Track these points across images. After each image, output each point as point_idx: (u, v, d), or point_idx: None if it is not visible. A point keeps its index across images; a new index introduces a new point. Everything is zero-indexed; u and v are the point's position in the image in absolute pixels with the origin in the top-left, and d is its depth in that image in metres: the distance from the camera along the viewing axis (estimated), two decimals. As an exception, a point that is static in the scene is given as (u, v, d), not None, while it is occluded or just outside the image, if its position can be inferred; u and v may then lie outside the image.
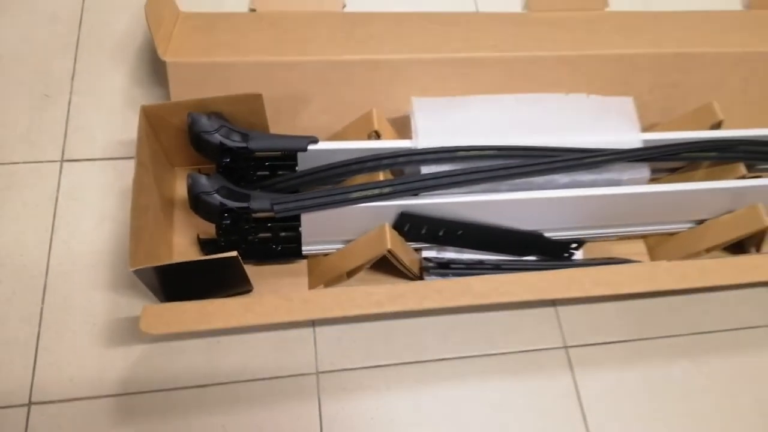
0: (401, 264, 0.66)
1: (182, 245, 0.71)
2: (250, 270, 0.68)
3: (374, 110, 0.71)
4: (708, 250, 0.74)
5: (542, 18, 0.93)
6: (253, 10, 0.90)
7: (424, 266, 0.69)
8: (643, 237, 0.79)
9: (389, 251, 0.63)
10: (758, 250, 0.75)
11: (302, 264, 0.72)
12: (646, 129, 0.83)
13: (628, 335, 0.72)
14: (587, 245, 0.77)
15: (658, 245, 0.78)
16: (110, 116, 0.79)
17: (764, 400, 0.70)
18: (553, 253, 0.74)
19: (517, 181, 0.68)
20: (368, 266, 0.67)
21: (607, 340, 0.72)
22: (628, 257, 0.77)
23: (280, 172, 0.69)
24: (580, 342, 0.71)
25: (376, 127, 0.70)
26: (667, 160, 0.72)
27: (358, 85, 0.77)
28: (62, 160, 0.76)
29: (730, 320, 0.75)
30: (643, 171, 0.71)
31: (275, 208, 0.61)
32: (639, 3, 1.02)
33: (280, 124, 0.75)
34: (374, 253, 0.63)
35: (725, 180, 0.72)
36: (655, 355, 0.71)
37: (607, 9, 0.97)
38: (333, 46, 0.79)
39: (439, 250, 0.72)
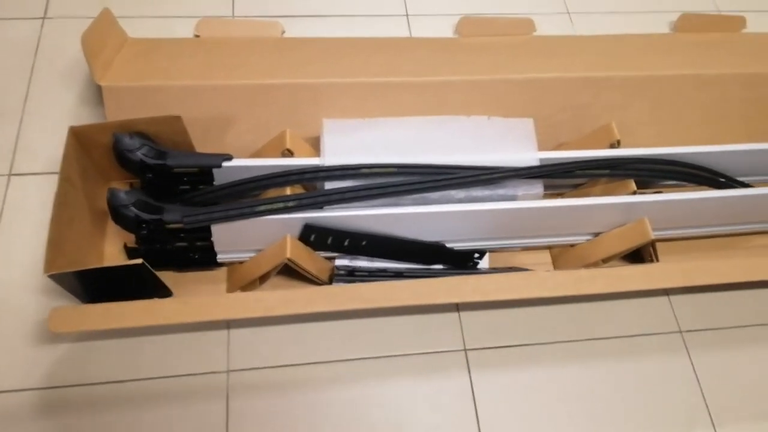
0: (306, 271, 0.72)
1: (112, 253, 0.77)
2: (172, 276, 0.75)
3: (288, 130, 0.77)
4: (605, 261, 0.79)
5: (470, 43, 0.99)
6: (197, 36, 0.96)
7: (335, 273, 0.75)
8: (548, 247, 0.84)
9: (289, 260, 0.68)
10: (655, 259, 0.80)
11: (222, 271, 0.78)
12: (557, 147, 0.90)
13: (525, 339, 0.77)
14: (495, 255, 0.82)
15: (561, 255, 0.83)
16: (56, 134, 0.85)
17: (650, 403, 0.75)
18: (457, 262, 0.79)
19: (416, 196, 0.74)
20: (276, 273, 0.72)
21: (506, 344, 0.77)
22: (533, 266, 0.82)
23: (200, 187, 0.75)
24: (479, 345, 0.77)
25: (288, 145, 0.76)
26: (561, 177, 0.77)
27: (281, 107, 0.83)
28: (10, 174, 0.83)
29: (623, 327, 0.79)
30: (537, 187, 0.77)
31: (185, 220, 0.68)
32: (567, 26, 1.08)
33: (209, 143, 0.81)
34: (277, 260, 0.69)
35: (616, 196, 0.78)
36: (548, 359, 0.76)
37: (535, 34, 1.03)
38: (261, 70, 0.85)
39: (351, 259, 0.78)
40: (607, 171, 0.78)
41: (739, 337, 0.80)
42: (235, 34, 0.96)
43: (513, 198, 0.77)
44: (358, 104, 0.85)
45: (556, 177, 0.77)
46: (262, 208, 0.69)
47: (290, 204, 0.70)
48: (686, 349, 0.79)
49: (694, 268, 0.71)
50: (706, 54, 0.99)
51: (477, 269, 0.80)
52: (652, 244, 0.75)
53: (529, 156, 0.78)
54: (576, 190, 0.84)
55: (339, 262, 0.77)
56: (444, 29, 1.04)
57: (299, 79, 0.84)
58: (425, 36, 1.04)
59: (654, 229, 0.79)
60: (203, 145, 0.80)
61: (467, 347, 0.76)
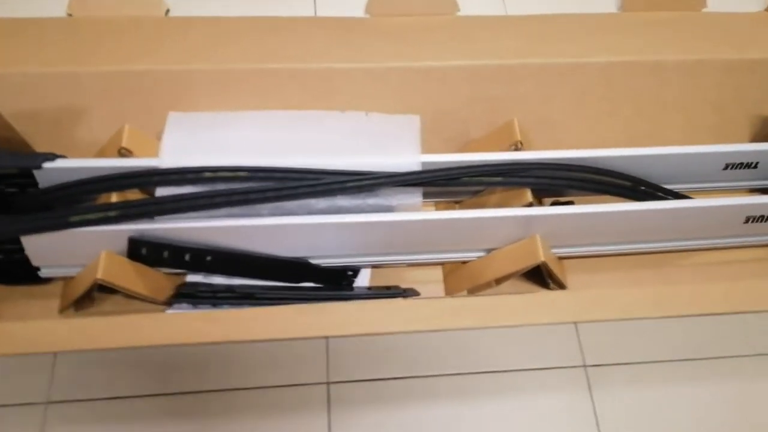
0: (132, 293, 0.62)
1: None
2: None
3: (126, 126, 0.67)
4: (498, 281, 0.68)
5: (379, 24, 0.87)
6: (70, 15, 0.86)
7: (175, 294, 0.65)
8: (441, 264, 0.73)
9: (102, 280, 0.59)
10: (554, 283, 0.68)
11: (59, 284, 0.69)
12: (463, 145, 0.78)
13: (398, 373, 0.67)
14: (380, 271, 0.72)
15: (452, 273, 0.72)
16: None
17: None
18: (328, 280, 0.69)
19: (270, 205, 0.63)
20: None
21: (375, 377, 0.67)
22: (421, 284, 0.71)
23: (29, 190, 0.66)
24: (346, 378, 0.66)
25: (125, 143, 0.66)
26: (444, 185, 0.66)
27: (141, 98, 0.73)
28: None
29: (520, 359, 0.69)
30: (414, 196, 0.66)
31: (-17, 231, 0.58)
32: (497, 6, 0.95)
33: (58, 139, 0.72)
34: (90, 279, 0.60)
35: (508, 207, 0.66)
36: (431, 395, 0.66)
37: (458, 14, 0.90)
38: (121, 55, 0.75)
39: (205, 276, 0.68)
40: (499, 178, 0.66)
41: (649, 375, 0.69)
42: (113, 12, 0.85)
43: (389, 209, 0.66)
44: (231, 95, 0.74)
45: (440, 185, 0.66)
46: (76, 218, 0.59)
47: (111, 214, 0.60)
48: (588, 385, 0.68)
49: (593, 298, 0.59)
50: (648, 37, 0.85)
51: (352, 289, 0.69)
52: (545, 266, 0.64)
53: (410, 160, 0.66)
54: (473, 198, 0.73)
55: (190, 278, 0.68)
56: (355, 8, 0.92)
57: (162, 65, 0.73)
58: (331, 15, 0.91)
59: (561, 246, 0.68)
60: (51, 141, 0.70)
61: (330, 380, 0.66)
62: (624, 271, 0.74)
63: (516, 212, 0.64)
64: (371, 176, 0.64)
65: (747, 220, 0.69)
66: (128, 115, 0.71)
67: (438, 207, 0.76)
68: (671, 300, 0.60)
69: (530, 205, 0.66)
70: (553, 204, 0.74)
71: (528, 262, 0.64)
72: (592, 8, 0.94)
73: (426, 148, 0.77)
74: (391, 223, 0.63)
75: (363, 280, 0.70)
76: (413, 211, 0.66)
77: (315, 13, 0.91)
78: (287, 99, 0.74)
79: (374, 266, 0.72)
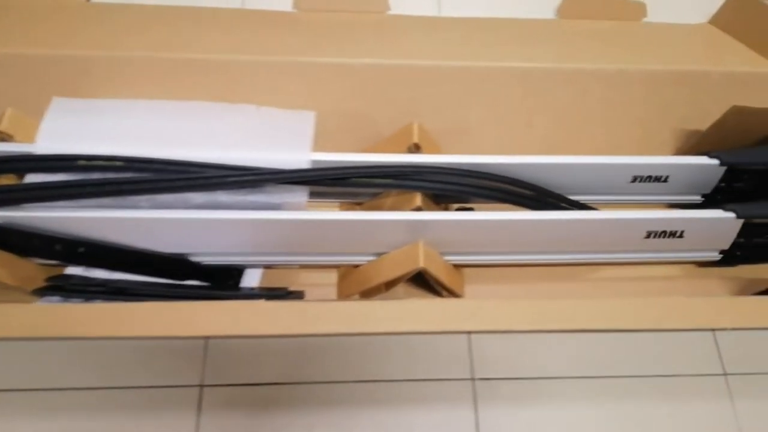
0: (-6, 281, 0.60)
1: None
2: None
3: (9, 110, 0.65)
4: (387, 286, 0.66)
5: (302, 20, 0.85)
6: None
7: (44, 286, 0.63)
8: (336, 266, 0.71)
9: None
10: (445, 291, 0.66)
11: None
12: (373, 146, 0.76)
13: (276, 377, 0.64)
14: (273, 272, 0.69)
15: (345, 276, 0.69)
16: None
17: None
18: (213, 279, 0.66)
19: (144, 197, 0.61)
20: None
21: (252, 382, 0.64)
22: (314, 287, 0.69)
23: None
24: (220, 381, 0.64)
25: (3, 127, 0.64)
26: (332, 184, 0.64)
27: (34, 82, 0.71)
28: None
29: (413, 370, 0.66)
30: (299, 195, 0.63)
31: None
32: (431, 7, 0.93)
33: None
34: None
35: (399, 211, 0.64)
36: (303, 402, 0.63)
37: (389, 13, 0.89)
38: (21, 38, 0.73)
39: (86, 269, 0.66)
40: (389, 181, 0.64)
41: (540, 391, 0.66)
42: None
43: (273, 207, 0.64)
44: (130, 84, 0.72)
45: (328, 184, 0.64)
46: (-64, 202, 0.57)
47: (-26, 199, 0.58)
48: (475, 400, 0.65)
49: (475, 309, 0.57)
50: (576, 45, 0.83)
51: (238, 288, 0.67)
52: (427, 272, 0.61)
53: (300, 157, 0.64)
54: (372, 200, 0.71)
55: (69, 271, 0.65)
56: (284, 1, 0.90)
57: (58, 50, 0.71)
58: (259, 8, 0.89)
59: (458, 253, 0.66)
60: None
61: (204, 383, 0.64)
62: (527, 282, 0.72)
63: (400, 216, 0.61)
64: (254, 172, 0.62)
65: (648, 236, 0.66)
66: (17, 100, 0.69)
67: (342, 207, 0.74)
68: (555, 314, 0.57)
69: (419, 209, 0.63)
70: (458, 210, 0.72)
71: (409, 268, 0.61)
72: (530, 14, 0.92)
73: (337, 147, 0.75)
74: (264, 222, 0.61)
75: (253, 280, 0.68)
76: (298, 210, 0.63)
77: (243, 5, 0.89)
78: (190, 91, 0.72)
79: (267, 266, 0.69)
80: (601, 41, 0.85)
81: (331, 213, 0.62)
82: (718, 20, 0.91)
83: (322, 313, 0.53)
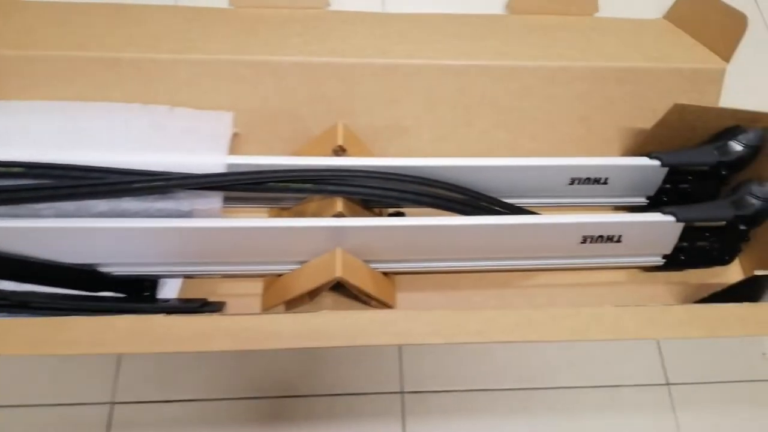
0: None
1: None
2: None
3: None
4: (311, 296, 0.63)
5: (239, 15, 0.82)
6: None
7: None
8: (261, 276, 0.67)
9: None
10: (374, 300, 0.63)
11: None
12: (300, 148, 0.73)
13: (192, 394, 0.61)
14: (194, 282, 0.66)
15: (270, 286, 0.66)
16: None
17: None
18: (126, 291, 0.63)
19: (44, 205, 0.57)
20: None
21: (168, 399, 0.61)
22: (238, 297, 0.66)
23: None
24: (133, 399, 0.60)
25: None
26: (248, 189, 0.60)
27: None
28: None
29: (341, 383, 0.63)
30: (213, 201, 0.60)
31: None
32: (374, 1, 0.90)
33: None
34: None
35: (320, 217, 0.60)
36: (220, 418, 0.60)
37: (329, 8, 0.85)
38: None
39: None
40: (309, 185, 0.61)
41: (469, 404, 0.63)
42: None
43: (184, 214, 0.60)
44: (42, 84, 0.68)
45: (242, 189, 0.60)
46: None
47: None
48: (402, 413, 0.62)
49: (388, 322, 0.53)
50: (520, 41, 0.80)
51: (154, 300, 0.63)
52: (346, 282, 0.58)
53: (214, 161, 0.61)
54: (296, 205, 0.67)
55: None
56: (218, -3, 0.86)
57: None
58: (192, 5, 0.86)
59: (387, 261, 0.63)
60: None
61: (115, 400, 0.60)
62: (462, 289, 0.69)
63: (317, 223, 0.58)
64: (162, 177, 0.58)
65: (584, 240, 0.63)
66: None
67: (271, 213, 0.70)
68: (472, 325, 0.53)
69: (340, 215, 0.60)
70: (392, 215, 0.69)
71: (326, 278, 0.58)
72: (478, 9, 0.89)
73: (266, 149, 0.72)
74: (172, 230, 0.57)
75: (171, 291, 0.64)
76: (211, 217, 0.60)
77: (176, 1, 0.85)
78: (102, 91, 0.68)
79: (187, 276, 0.66)
80: (546, 37, 0.82)
81: (242, 220, 0.58)
82: (671, 15, 0.88)
83: (223, 329, 0.50)
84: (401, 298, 0.68)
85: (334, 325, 0.50)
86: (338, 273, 0.57)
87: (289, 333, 0.49)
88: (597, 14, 0.89)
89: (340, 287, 0.62)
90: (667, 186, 0.70)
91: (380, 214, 0.69)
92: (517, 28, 0.84)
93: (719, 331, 0.53)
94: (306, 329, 0.49)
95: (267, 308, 0.65)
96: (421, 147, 0.75)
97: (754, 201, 0.65)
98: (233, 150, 0.70)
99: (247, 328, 0.50)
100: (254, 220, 0.58)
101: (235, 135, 0.70)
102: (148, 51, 0.70)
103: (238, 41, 0.74)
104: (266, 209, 0.70)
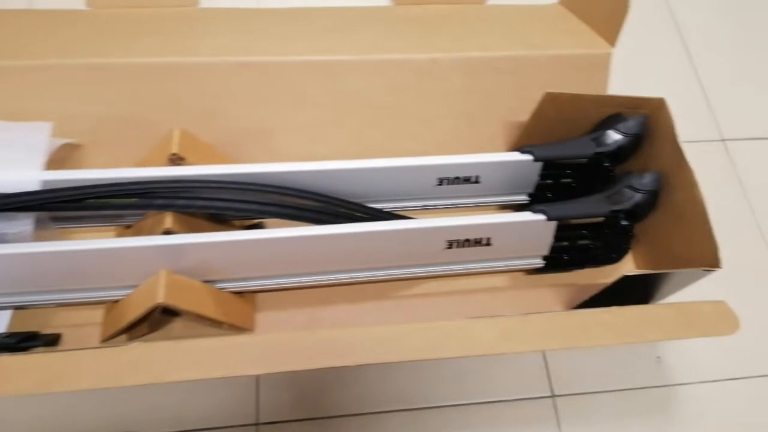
0: None
1: None
2: None
3: None
4: (150, 323, 0.56)
5: (94, 16, 0.75)
6: None
7: None
8: (100, 303, 0.61)
9: None
10: (225, 324, 0.57)
11: None
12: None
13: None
14: (27, 313, 0.59)
15: (107, 314, 0.59)
16: None
17: None
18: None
19: None
20: None
21: None
22: (74, 328, 0.59)
23: None
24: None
25: None
26: (63, 209, 0.54)
27: None
28: None
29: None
30: (22, 224, 0.53)
31: None
32: (251, -1, 0.84)
33: None
34: None
35: (147, 236, 0.54)
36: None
37: (200, 6, 0.79)
38: None
39: None
40: (134, 200, 0.54)
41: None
42: None
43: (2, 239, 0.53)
44: None
45: (56, 209, 0.53)
46: None
47: None
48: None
49: (220, 349, 0.47)
50: (393, 34, 0.75)
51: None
52: (173, 308, 0.52)
53: (27, 177, 0.54)
54: (137, 222, 0.61)
55: None
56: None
57: None
58: (47, 8, 0.78)
59: (240, 279, 0.57)
60: None
61: None
62: (331, 304, 0.63)
63: (142, 242, 0.52)
64: (-39, 200, 0.51)
65: (450, 245, 0.58)
66: None
67: (117, 233, 0.64)
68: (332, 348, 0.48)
69: (169, 232, 0.54)
70: (251, 227, 0.63)
71: (149, 304, 0.51)
72: (364, 1, 0.83)
73: (111, 159, 0.65)
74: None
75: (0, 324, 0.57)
76: (23, 241, 0.53)
77: (30, 4, 0.78)
78: None
79: (18, 307, 0.59)
80: (426, 28, 0.76)
81: (54, 244, 0.51)
82: (566, 0, 0.83)
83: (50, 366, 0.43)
84: (262, 318, 0.62)
85: (144, 359, 0.44)
86: (160, 299, 0.50)
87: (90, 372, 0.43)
88: (490, 2, 0.84)
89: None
90: (549, 182, 0.65)
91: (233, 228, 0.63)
92: (398, 20, 0.79)
93: (579, 342, 0.48)
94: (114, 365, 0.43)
95: (106, 338, 0.59)
96: (291, 150, 0.69)
97: (633, 194, 0.60)
98: (74, 163, 0.64)
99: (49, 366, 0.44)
100: (68, 243, 0.52)
101: (73, 146, 0.63)
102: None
103: (84, 44, 0.68)
104: (113, 228, 0.64)
